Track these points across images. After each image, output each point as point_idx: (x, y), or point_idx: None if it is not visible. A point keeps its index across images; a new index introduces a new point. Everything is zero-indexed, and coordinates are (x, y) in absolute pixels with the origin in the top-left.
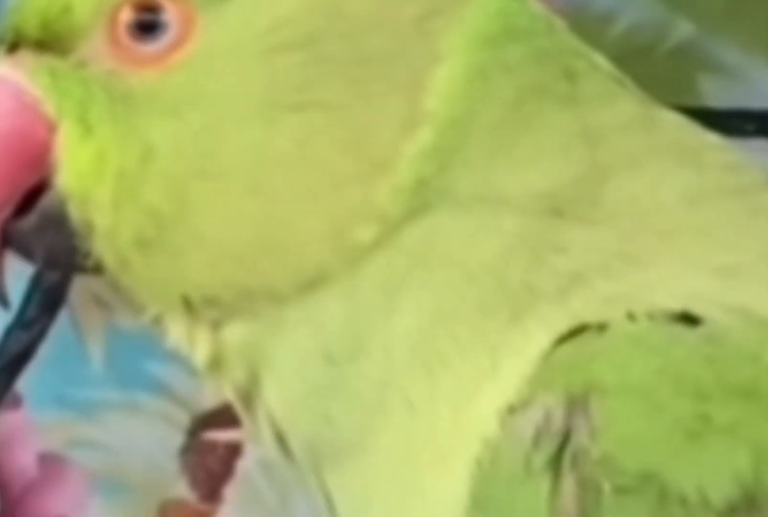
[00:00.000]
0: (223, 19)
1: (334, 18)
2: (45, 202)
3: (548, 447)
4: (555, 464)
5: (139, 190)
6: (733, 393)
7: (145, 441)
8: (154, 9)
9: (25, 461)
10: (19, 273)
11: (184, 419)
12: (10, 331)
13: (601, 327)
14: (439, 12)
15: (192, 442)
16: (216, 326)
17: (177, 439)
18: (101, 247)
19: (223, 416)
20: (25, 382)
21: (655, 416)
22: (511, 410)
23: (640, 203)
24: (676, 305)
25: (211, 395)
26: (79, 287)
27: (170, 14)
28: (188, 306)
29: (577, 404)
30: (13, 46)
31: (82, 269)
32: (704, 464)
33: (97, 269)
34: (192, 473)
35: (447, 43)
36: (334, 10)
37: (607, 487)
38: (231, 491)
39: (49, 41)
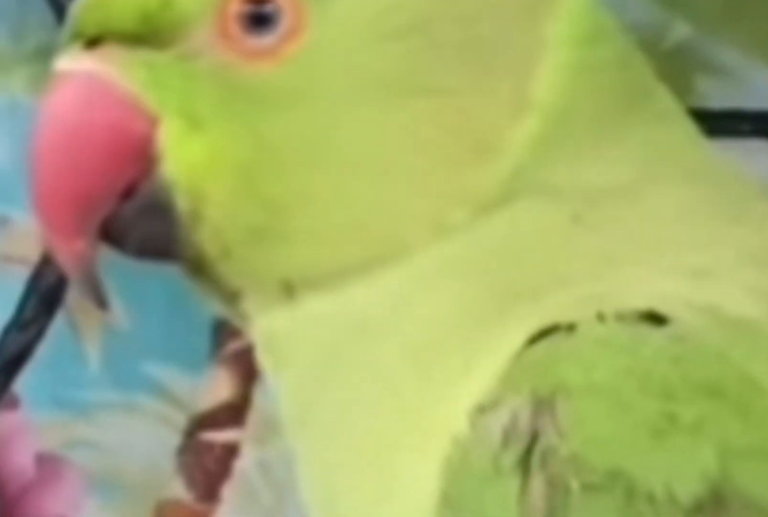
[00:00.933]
0: (334, 8)
1: (445, 3)
2: (146, 190)
3: (517, 447)
4: (524, 463)
5: (257, 183)
6: (699, 391)
7: (142, 442)
8: (264, 0)
9: (22, 461)
10: (16, 274)
11: (180, 420)
12: (7, 331)
13: (571, 327)
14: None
15: (189, 442)
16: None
17: (174, 439)
18: (205, 237)
19: (220, 417)
20: (23, 382)
21: (622, 415)
22: (481, 409)
23: (634, 212)
24: (645, 304)
25: (208, 396)
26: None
27: (281, 4)
28: (288, 289)
29: (543, 404)
30: (93, 41)
31: (169, 258)
32: (671, 462)
33: (184, 258)
34: (189, 474)
35: (554, 31)
36: None
37: (575, 485)
38: (228, 492)
39: (146, 35)
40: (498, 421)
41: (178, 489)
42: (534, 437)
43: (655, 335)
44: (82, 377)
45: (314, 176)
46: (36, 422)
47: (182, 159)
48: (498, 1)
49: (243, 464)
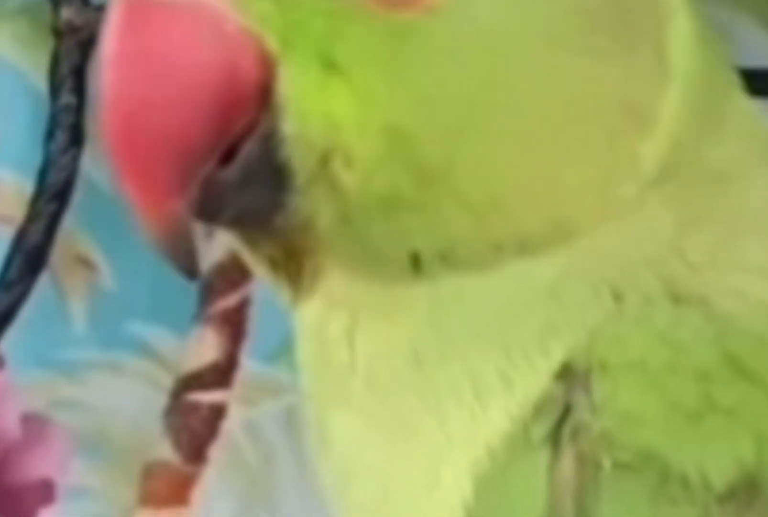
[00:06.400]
0: None
1: None
2: (253, 148)
3: (548, 420)
4: (554, 437)
5: (409, 146)
6: (738, 375)
7: (128, 402)
8: None
9: (8, 422)
10: (1, 234)
11: (167, 380)
12: None
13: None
14: None
15: (175, 403)
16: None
17: (160, 400)
18: (323, 203)
19: (207, 377)
20: (8, 343)
21: (656, 393)
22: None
23: (736, 198)
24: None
25: (194, 356)
26: (62, 248)
27: None
28: (415, 262)
29: (578, 379)
30: None
31: (263, 227)
32: (706, 446)
33: (280, 228)
34: (176, 435)
35: None
36: None
37: (606, 463)
38: (215, 453)
39: None
40: (531, 396)
41: (165, 451)
42: (566, 412)
43: (695, 315)
44: (68, 337)
45: (470, 140)
46: (21, 383)
47: (317, 110)
48: None
49: (230, 425)
